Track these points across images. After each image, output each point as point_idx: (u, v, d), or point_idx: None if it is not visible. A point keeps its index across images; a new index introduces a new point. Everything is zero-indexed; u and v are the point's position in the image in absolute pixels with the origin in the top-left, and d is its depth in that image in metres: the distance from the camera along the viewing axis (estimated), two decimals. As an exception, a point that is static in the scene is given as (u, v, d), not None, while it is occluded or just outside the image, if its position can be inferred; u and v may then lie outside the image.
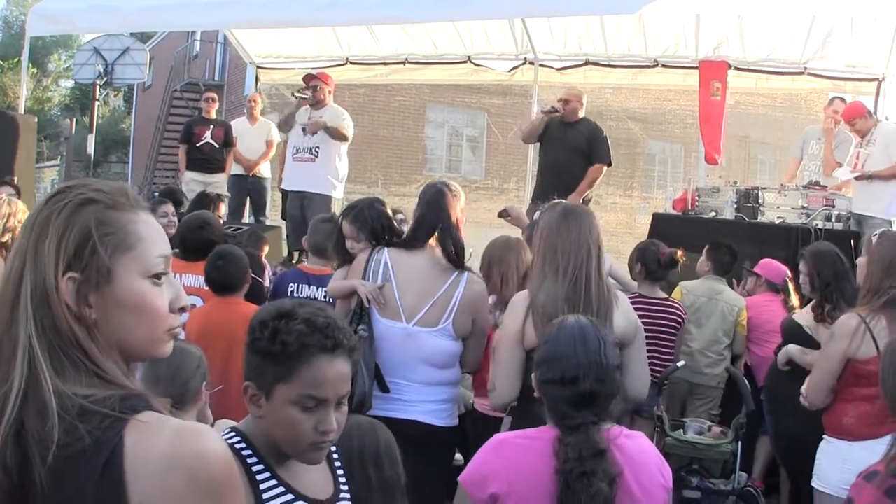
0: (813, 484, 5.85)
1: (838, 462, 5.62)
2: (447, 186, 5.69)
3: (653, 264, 7.96)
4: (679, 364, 7.65)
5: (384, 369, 5.39)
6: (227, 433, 3.04)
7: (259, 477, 2.95)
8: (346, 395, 2.94)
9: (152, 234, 2.23)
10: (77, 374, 2.05)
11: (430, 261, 5.46)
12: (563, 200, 5.46)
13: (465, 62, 16.08)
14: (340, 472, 3.24)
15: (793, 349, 6.93)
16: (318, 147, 12.14)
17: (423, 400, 5.39)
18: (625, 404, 3.75)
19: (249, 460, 2.96)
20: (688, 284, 8.81)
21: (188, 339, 6.40)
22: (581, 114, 12.03)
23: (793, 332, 7.14)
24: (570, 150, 11.74)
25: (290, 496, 2.97)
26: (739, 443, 7.35)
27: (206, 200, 10.99)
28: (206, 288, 6.76)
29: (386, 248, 5.62)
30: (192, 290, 6.88)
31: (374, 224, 5.98)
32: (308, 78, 12.49)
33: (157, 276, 2.21)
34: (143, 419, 2.03)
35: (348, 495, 3.20)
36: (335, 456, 3.26)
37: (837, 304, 6.85)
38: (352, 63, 16.52)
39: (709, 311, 8.61)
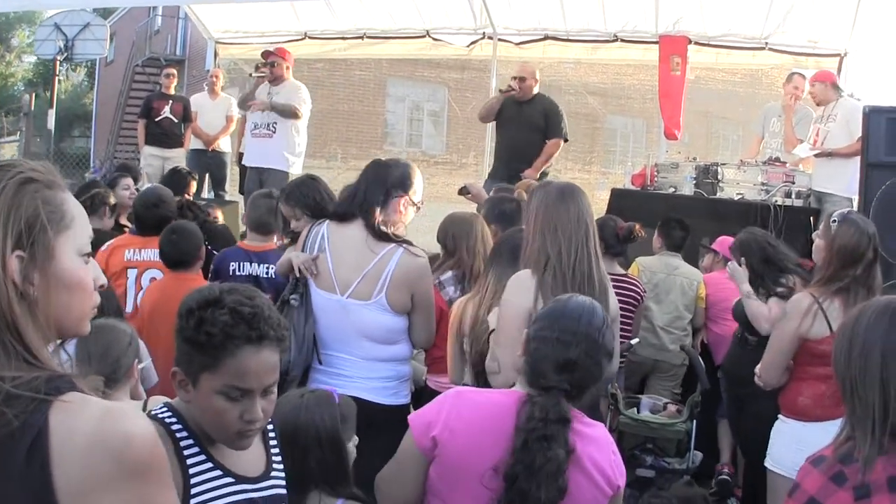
0: (766, 464, 5.82)
1: (793, 443, 5.57)
2: (392, 162, 5.66)
3: (611, 239, 7.87)
4: (633, 341, 7.60)
5: (323, 342, 5.36)
6: (161, 408, 3.08)
7: (187, 452, 2.96)
8: (273, 383, 2.94)
9: (81, 214, 2.28)
10: (6, 359, 2.06)
11: (363, 234, 5.37)
12: (552, 179, 5.38)
13: (423, 36, 15.98)
14: (275, 449, 3.26)
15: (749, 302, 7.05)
16: (276, 123, 12.15)
17: (365, 376, 5.33)
18: (596, 391, 3.68)
19: (179, 435, 2.97)
20: (644, 260, 8.78)
21: (143, 314, 6.38)
22: (536, 90, 12.05)
23: (742, 314, 7.16)
24: (527, 127, 11.80)
25: (217, 472, 2.98)
26: (694, 422, 7.33)
27: (178, 177, 10.88)
28: (165, 262, 6.80)
29: (326, 221, 5.55)
30: (153, 264, 6.96)
31: (306, 200, 6.10)
32: (266, 54, 12.45)
33: (87, 256, 2.26)
34: (68, 399, 2.04)
35: (281, 473, 3.22)
36: (271, 434, 3.27)
37: (771, 290, 7.02)
38: (310, 38, 16.42)
39: (667, 287, 8.59)
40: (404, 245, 5.37)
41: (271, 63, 12.18)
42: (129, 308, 6.82)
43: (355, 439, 4.12)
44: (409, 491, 3.63)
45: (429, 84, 31.61)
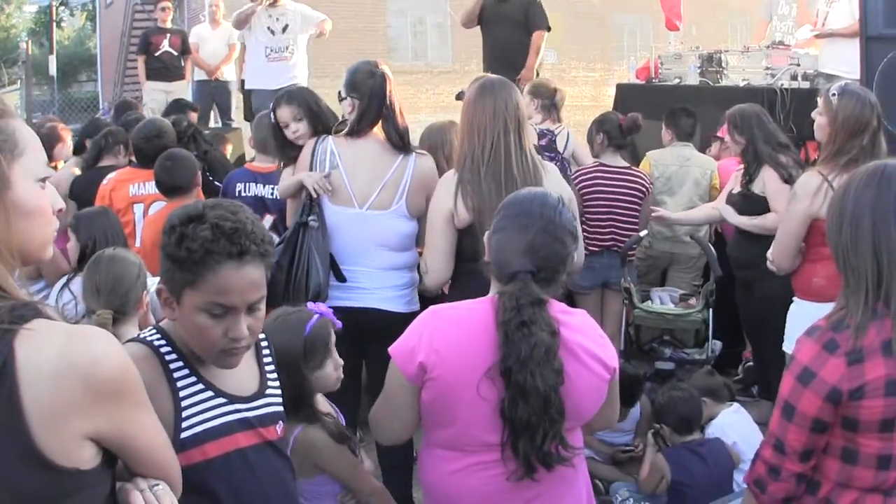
0: (784, 348, 5.78)
1: (808, 323, 5.54)
2: (385, 72, 5.61)
3: (614, 131, 7.84)
4: (642, 234, 7.57)
5: (339, 257, 5.37)
6: (150, 331, 3.07)
7: (177, 374, 2.95)
8: (258, 300, 2.91)
9: (34, 140, 2.26)
10: None
11: (375, 145, 5.43)
12: (494, 76, 5.36)
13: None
14: (270, 367, 3.25)
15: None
16: (292, 45, 12.05)
17: (381, 286, 5.38)
18: (568, 279, 3.65)
19: (168, 357, 2.96)
20: (655, 154, 8.73)
21: (144, 245, 6.36)
22: None
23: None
24: (509, 24, 11.59)
25: (209, 393, 2.97)
26: (710, 310, 7.28)
27: (179, 109, 10.83)
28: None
29: (330, 137, 5.57)
30: (159, 196, 6.90)
31: (308, 102, 6.02)
32: None
33: (43, 181, 2.26)
34: (33, 327, 2.06)
35: (277, 391, 3.21)
36: (265, 351, 3.27)
37: (768, 161, 7.07)
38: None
39: (681, 178, 8.53)
40: (415, 152, 5.46)
41: None
42: (137, 243, 6.80)
43: (337, 360, 4.10)
44: (405, 422, 3.61)
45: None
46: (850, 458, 3.15)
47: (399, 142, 5.42)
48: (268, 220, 6.60)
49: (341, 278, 5.35)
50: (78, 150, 9.38)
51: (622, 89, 11.50)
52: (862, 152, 5.52)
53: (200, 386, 2.97)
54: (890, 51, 7.57)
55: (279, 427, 3.16)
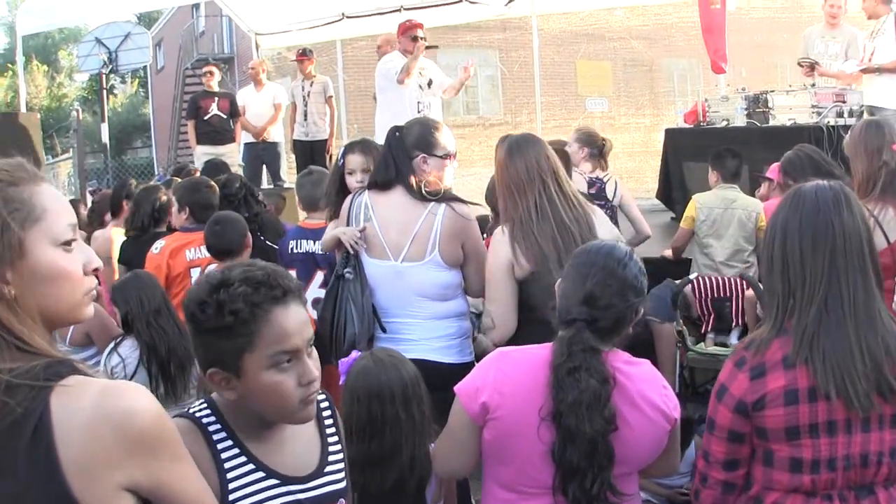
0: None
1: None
2: (406, 129, 5.64)
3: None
4: (691, 276, 7.56)
5: (383, 310, 5.39)
6: (200, 404, 2.93)
7: (224, 454, 2.80)
8: (311, 338, 2.81)
9: (56, 203, 2.28)
10: (0, 351, 2.12)
11: (404, 197, 5.42)
12: (520, 134, 5.46)
13: (459, 1, 15.93)
14: (332, 432, 3.09)
15: None
16: (433, 104, 11.73)
17: (429, 337, 5.34)
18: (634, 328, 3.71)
19: (216, 436, 2.82)
20: (700, 197, 8.71)
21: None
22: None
23: None
24: None
25: (260, 474, 2.82)
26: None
27: (215, 168, 10.87)
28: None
29: (366, 191, 5.59)
30: (211, 260, 6.86)
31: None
32: (412, 27, 11.62)
33: (68, 243, 2.26)
34: (68, 383, 2.10)
35: (339, 465, 3.04)
36: (326, 416, 3.10)
37: None
38: (347, 17, 16.45)
39: (726, 221, 8.48)
40: (447, 201, 5.41)
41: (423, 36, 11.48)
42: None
43: None
44: (465, 459, 3.67)
45: (474, 49, 31.51)
46: (769, 462, 3.33)
47: (418, 192, 5.40)
48: (319, 276, 6.64)
49: (383, 328, 5.37)
50: (115, 210, 9.42)
51: (670, 134, 11.52)
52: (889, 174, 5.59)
53: (251, 466, 2.81)
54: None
55: None
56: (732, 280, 8.12)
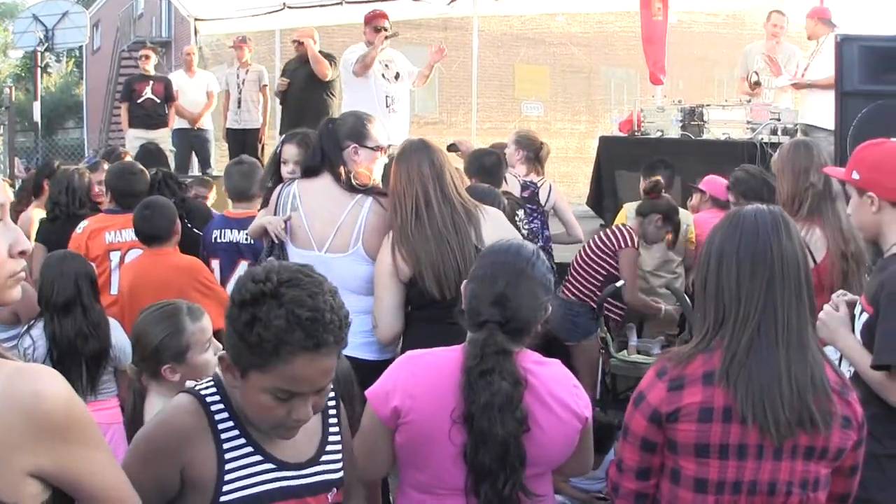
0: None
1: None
2: (339, 121, 5.72)
3: None
4: (619, 283, 7.56)
5: None
6: (207, 382, 2.94)
7: (224, 435, 2.81)
8: (327, 383, 2.75)
9: None
10: None
11: (332, 185, 5.44)
12: (413, 140, 5.49)
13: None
14: (334, 428, 3.12)
15: None
16: (402, 98, 11.53)
17: (350, 331, 5.26)
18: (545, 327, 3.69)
19: (218, 416, 2.82)
20: (631, 206, 8.71)
21: (122, 294, 6.33)
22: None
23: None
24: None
25: (257, 457, 2.83)
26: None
27: (149, 154, 10.79)
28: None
29: (296, 181, 5.61)
30: (136, 244, 6.81)
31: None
32: (380, 16, 11.48)
33: None
34: None
35: (336, 455, 3.07)
36: (331, 407, 3.13)
37: None
38: (289, 7, 16.33)
39: (656, 231, 8.49)
40: (374, 194, 5.44)
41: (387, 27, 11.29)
42: (113, 290, 6.77)
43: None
44: (380, 461, 3.63)
45: (413, 46, 31.53)
46: (675, 479, 3.32)
47: (346, 183, 5.43)
48: (242, 265, 6.60)
49: None
50: (36, 191, 9.25)
51: (605, 142, 11.56)
52: (816, 195, 5.59)
53: (249, 449, 2.82)
54: (864, 106, 7.60)
55: (332, 494, 3.03)
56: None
